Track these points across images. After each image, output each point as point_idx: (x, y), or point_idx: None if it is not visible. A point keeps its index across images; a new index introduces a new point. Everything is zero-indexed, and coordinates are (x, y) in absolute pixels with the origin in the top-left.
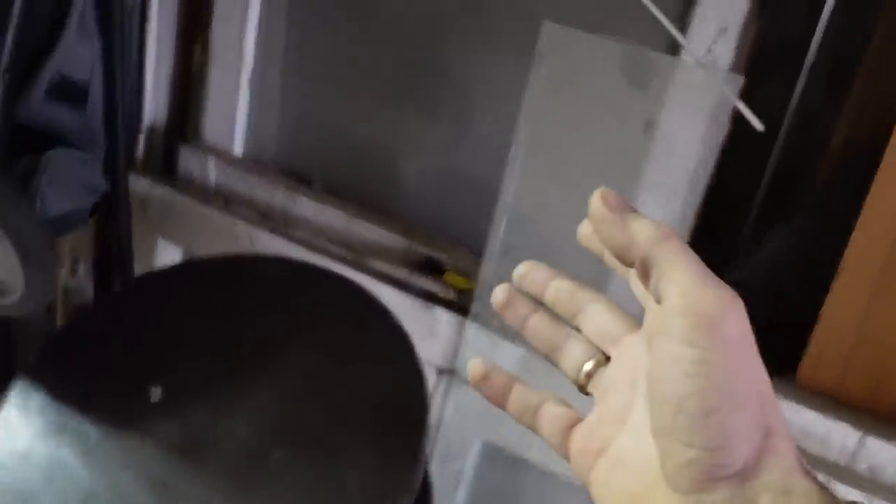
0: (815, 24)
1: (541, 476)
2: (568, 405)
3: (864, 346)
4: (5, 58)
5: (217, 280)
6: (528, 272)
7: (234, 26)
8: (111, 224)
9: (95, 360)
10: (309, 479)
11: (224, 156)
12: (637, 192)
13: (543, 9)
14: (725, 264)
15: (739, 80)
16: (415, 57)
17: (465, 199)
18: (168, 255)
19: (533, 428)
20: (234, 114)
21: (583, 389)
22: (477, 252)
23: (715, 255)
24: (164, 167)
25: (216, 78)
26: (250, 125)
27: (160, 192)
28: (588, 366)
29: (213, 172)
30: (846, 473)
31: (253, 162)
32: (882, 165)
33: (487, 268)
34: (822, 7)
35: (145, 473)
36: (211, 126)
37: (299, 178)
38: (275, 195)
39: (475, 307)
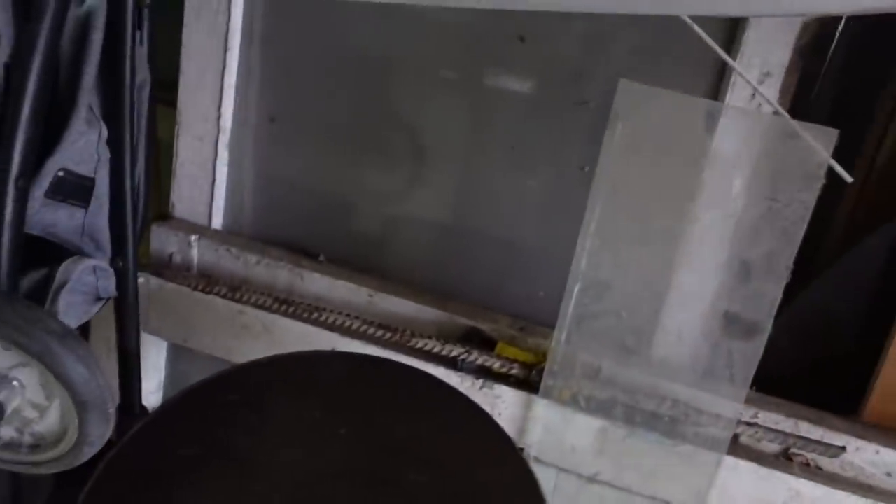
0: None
1: None
2: None
3: None
4: (16, 164)
5: (270, 388)
6: None
7: (210, 91)
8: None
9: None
10: None
11: (206, 232)
12: (718, 252)
13: (567, 58)
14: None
15: (833, 135)
16: (399, 112)
17: (482, 260)
18: (153, 350)
19: None
20: (211, 184)
21: None
22: (514, 315)
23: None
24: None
25: (187, 148)
26: (229, 196)
27: (142, 280)
28: None
29: (196, 252)
30: None
31: (240, 237)
32: None
33: (559, 339)
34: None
35: None
36: (184, 199)
37: (290, 249)
38: (278, 273)
39: (546, 381)
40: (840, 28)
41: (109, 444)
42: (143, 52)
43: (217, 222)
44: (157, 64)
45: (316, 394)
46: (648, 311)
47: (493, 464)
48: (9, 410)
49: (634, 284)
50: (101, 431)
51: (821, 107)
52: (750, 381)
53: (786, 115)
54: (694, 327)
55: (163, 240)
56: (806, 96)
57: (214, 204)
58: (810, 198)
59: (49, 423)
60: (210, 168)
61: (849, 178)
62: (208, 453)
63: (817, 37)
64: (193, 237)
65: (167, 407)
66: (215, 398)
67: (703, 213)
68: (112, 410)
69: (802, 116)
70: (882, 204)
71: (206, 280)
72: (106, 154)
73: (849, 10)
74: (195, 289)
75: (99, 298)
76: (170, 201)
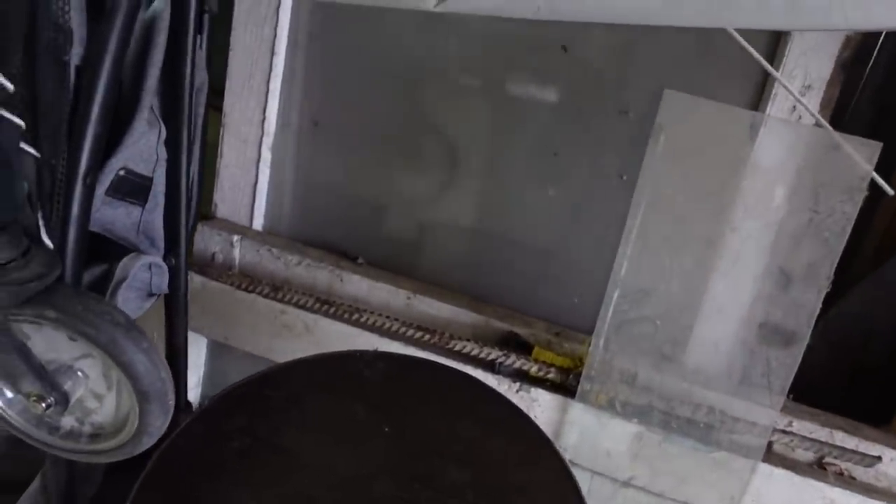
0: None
1: None
2: None
3: None
4: (85, 160)
5: (319, 385)
6: None
7: (256, 95)
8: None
9: (199, 496)
10: None
11: (248, 233)
12: (758, 262)
13: (608, 68)
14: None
15: (877, 148)
16: (441, 118)
17: (519, 266)
18: (193, 347)
19: None
20: (253, 186)
21: None
22: (550, 321)
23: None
24: None
25: (231, 149)
26: (270, 197)
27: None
28: None
29: (237, 252)
30: None
31: (281, 238)
32: None
33: (597, 344)
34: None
35: None
36: (226, 200)
37: (329, 251)
38: (318, 275)
39: (583, 385)
40: (881, 41)
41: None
42: (202, 55)
43: (258, 223)
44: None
45: (359, 392)
46: (686, 318)
47: (532, 464)
48: (72, 400)
49: (673, 292)
50: (161, 422)
51: (860, 118)
52: (787, 390)
53: (828, 126)
54: (731, 335)
55: (206, 239)
56: (845, 108)
57: (256, 205)
58: (852, 210)
59: (108, 413)
60: (253, 170)
61: (891, 191)
62: (256, 446)
63: (859, 48)
64: (236, 237)
65: (216, 402)
66: (262, 394)
67: (743, 223)
68: (172, 402)
69: (843, 126)
70: None
71: (249, 279)
72: (164, 154)
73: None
74: (238, 287)
75: (151, 295)
76: (213, 202)
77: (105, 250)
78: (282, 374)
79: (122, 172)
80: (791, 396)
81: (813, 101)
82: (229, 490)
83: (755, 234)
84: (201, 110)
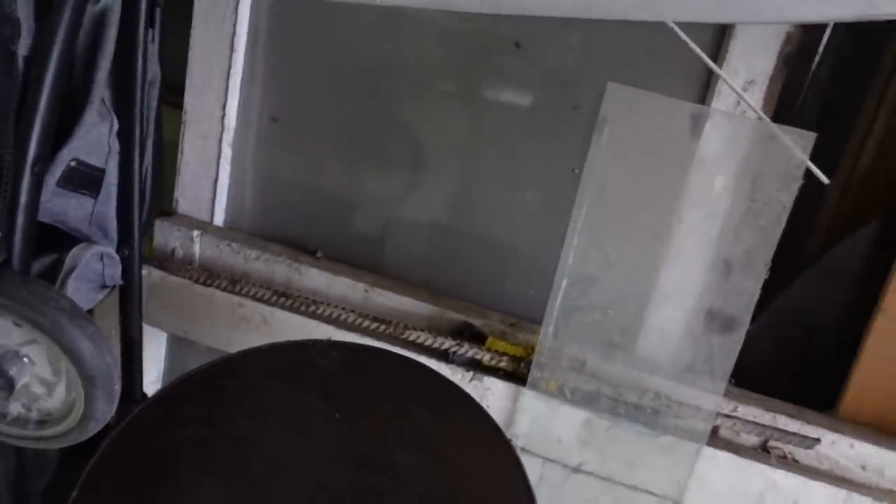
0: (806, 74)
1: None
2: None
3: None
4: (33, 149)
5: (272, 374)
6: None
7: (215, 92)
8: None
9: (152, 480)
10: None
11: (209, 228)
12: (699, 250)
13: (561, 63)
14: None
15: (811, 138)
16: (399, 113)
17: (479, 259)
18: (153, 341)
19: None
20: (214, 182)
21: None
22: (506, 312)
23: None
24: None
25: (192, 146)
26: (231, 193)
27: (145, 272)
28: None
29: (197, 247)
30: None
31: (240, 233)
32: None
33: (546, 333)
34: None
35: None
36: (187, 196)
37: (289, 245)
38: (276, 268)
39: (534, 373)
40: (826, 36)
41: (110, 429)
42: (154, 49)
43: (219, 219)
44: (164, 66)
45: (313, 381)
46: (633, 306)
47: (481, 450)
48: (18, 385)
49: (620, 281)
50: (107, 407)
51: (808, 112)
52: (729, 375)
53: (766, 118)
54: (677, 322)
55: (166, 234)
56: (793, 102)
57: (217, 201)
58: (788, 198)
59: (56, 399)
60: (213, 166)
61: (826, 180)
62: (210, 434)
63: (804, 44)
64: (196, 232)
65: (168, 390)
66: (216, 383)
67: (688, 213)
68: (117, 387)
69: (790, 121)
70: (862, 207)
71: (208, 273)
72: (116, 146)
73: (825, 18)
74: (196, 281)
75: (105, 286)
76: (174, 198)
77: (58, 241)
78: (237, 362)
79: (73, 163)
80: (733, 381)
81: (756, 96)
82: (181, 477)
83: (699, 225)
84: (154, 103)
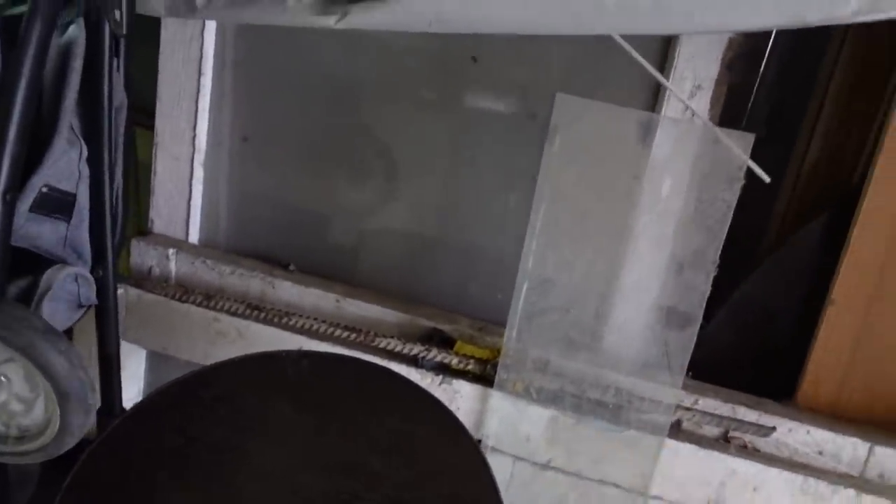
0: (755, 77)
1: None
2: None
3: (860, 363)
4: (4, 179)
5: (245, 385)
6: None
7: (185, 113)
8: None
9: (131, 491)
10: None
11: (184, 246)
12: (652, 250)
13: (517, 76)
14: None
15: (750, 139)
16: (365, 129)
17: (447, 266)
18: (133, 358)
19: None
20: (188, 201)
21: None
22: (475, 317)
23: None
24: None
25: (165, 167)
26: (204, 211)
27: (121, 292)
28: None
29: (173, 264)
30: (861, 483)
31: (214, 250)
32: (862, 206)
33: (510, 335)
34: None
35: None
36: (162, 216)
37: (264, 260)
38: (251, 283)
39: (500, 374)
40: (771, 42)
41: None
42: (119, 77)
43: (194, 237)
44: (138, 90)
45: (285, 389)
46: (592, 306)
47: (449, 451)
48: None
49: (578, 282)
50: (82, 422)
51: (759, 114)
52: (685, 369)
53: (708, 122)
54: (634, 320)
55: (142, 254)
56: (745, 105)
57: (191, 219)
58: (731, 197)
59: (34, 415)
60: (186, 186)
61: (767, 179)
62: (186, 444)
63: (753, 49)
64: (171, 250)
65: (146, 403)
66: (191, 394)
67: (640, 215)
68: (92, 402)
69: (743, 124)
70: (811, 202)
71: (183, 290)
72: (86, 171)
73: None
74: (172, 298)
75: (81, 306)
76: (149, 218)
77: (34, 264)
78: (211, 374)
79: (44, 189)
80: (690, 374)
81: (703, 100)
82: (157, 486)
83: (652, 226)
84: (122, 129)
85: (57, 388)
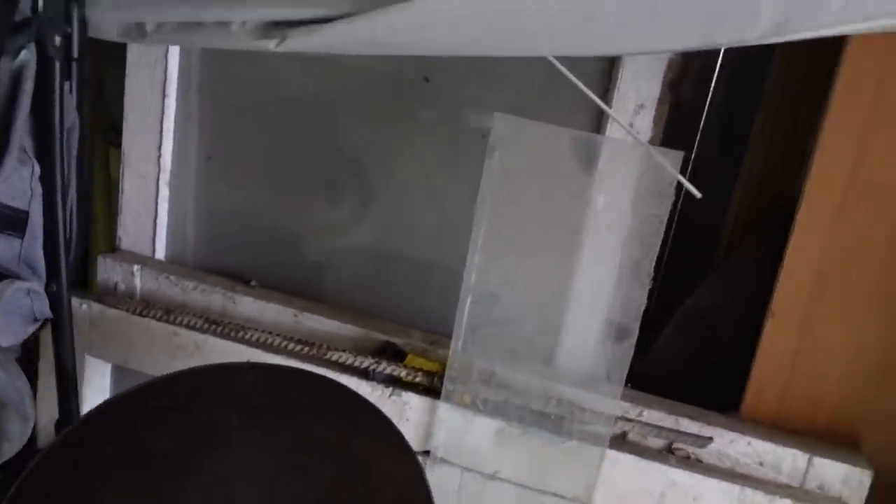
0: (706, 95)
1: None
2: None
3: (798, 377)
4: None
5: (190, 396)
6: None
7: (150, 133)
8: (36, 352)
9: (73, 500)
10: None
11: (149, 262)
12: (589, 264)
13: (469, 96)
14: (663, 317)
15: (679, 156)
16: (326, 148)
17: (404, 282)
18: (97, 372)
19: None
20: (154, 219)
21: None
22: (429, 330)
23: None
24: (78, 280)
25: (132, 186)
26: (170, 229)
27: (84, 307)
28: None
29: (138, 280)
30: (803, 494)
31: (180, 266)
32: (797, 220)
33: (455, 347)
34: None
35: None
36: (129, 233)
37: (232, 277)
38: (213, 298)
39: (447, 386)
40: (720, 60)
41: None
42: (71, 99)
43: (160, 253)
44: (111, 111)
45: (232, 400)
46: (534, 319)
47: (388, 459)
48: None
49: (521, 296)
50: (20, 429)
51: (711, 132)
52: (624, 380)
53: (638, 139)
54: (575, 333)
55: (108, 270)
56: (696, 124)
57: (157, 237)
58: (663, 213)
59: None
60: (152, 204)
61: (698, 195)
62: (130, 454)
63: (702, 69)
64: (136, 267)
65: (91, 415)
66: (142, 404)
67: (579, 231)
68: (31, 411)
69: (696, 143)
70: (757, 216)
71: (144, 304)
72: (39, 189)
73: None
74: (133, 313)
75: (36, 319)
76: (117, 235)
77: None
78: (163, 384)
79: None
80: (630, 385)
81: (646, 119)
82: (100, 496)
83: (590, 241)
84: (74, 149)
85: None
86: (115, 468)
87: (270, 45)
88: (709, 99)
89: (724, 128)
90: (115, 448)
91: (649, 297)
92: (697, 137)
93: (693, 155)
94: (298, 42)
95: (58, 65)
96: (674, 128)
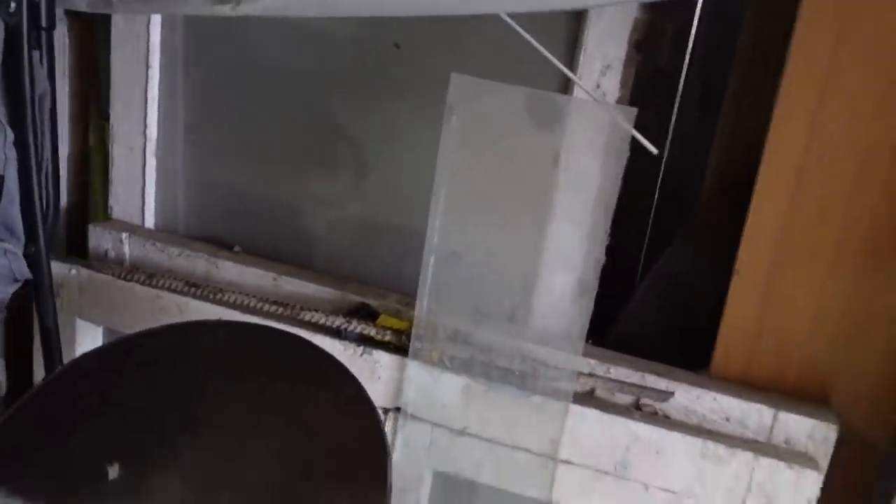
0: (682, 59)
1: (495, 497)
2: None
3: (764, 334)
4: None
5: (162, 351)
6: None
7: (136, 104)
8: (31, 312)
9: (47, 447)
10: None
11: (137, 230)
12: (550, 222)
13: (440, 61)
14: (634, 278)
15: (633, 112)
16: (309, 116)
17: (382, 246)
18: (89, 335)
19: None
20: (142, 189)
21: None
22: (405, 293)
23: (624, 270)
24: (74, 247)
25: (120, 157)
26: (159, 198)
27: (74, 272)
28: None
29: (127, 248)
30: (767, 448)
31: (167, 234)
32: (759, 180)
33: (421, 306)
34: (686, 43)
35: None
36: (120, 203)
37: (219, 244)
38: (196, 263)
39: (414, 344)
40: (696, 23)
41: None
42: (42, 68)
43: (150, 222)
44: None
45: (201, 356)
46: (497, 278)
47: (348, 412)
48: None
49: (483, 255)
50: None
51: (691, 94)
52: (584, 336)
53: (591, 95)
54: (536, 289)
55: (99, 238)
56: (675, 88)
57: (146, 206)
58: (619, 169)
59: None
60: (140, 174)
61: (655, 151)
62: (101, 407)
63: (678, 33)
64: (125, 234)
65: (67, 368)
66: (111, 361)
67: (536, 189)
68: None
69: (676, 105)
70: (730, 175)
71: (129, 269)
72: (13, 154)
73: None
74: (118, 277)
75: (16, 280)
76: (108, 205)
77: None
78: (136, 341)
79: None
80: (590, 342)
81: (614, 79)
82: (72, 446)
83: (551, 199)
84: (46, 116)
85: None
86: (87, 419)
87: (226, 9)
88: (686, 62)
89: (703, 92)
90: (88, 401)
91: (634, 262)
92: (677, 102)
93: (674, 119)
94: (251, 6)
95: (25, 35)
96: (654, 93)
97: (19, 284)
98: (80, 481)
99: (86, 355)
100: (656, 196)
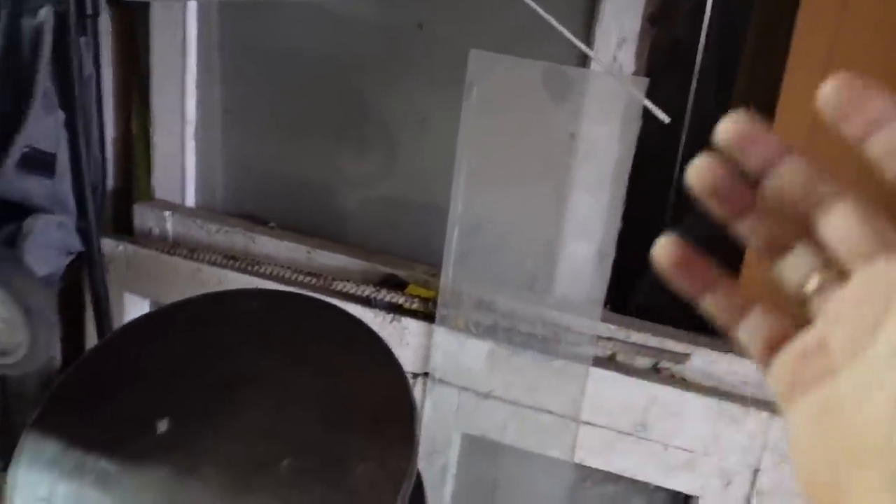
0: (700, 32)
1: (520, 457)
2: (784, 313)
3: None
4: None
5: (203, 317)
6: (745, 132)
7: (175, 90)
8: (85, 282)
9: (100, 404)
10: (321, 477)
11: (178, 209)
12: (569, 192)
13: (461, 40)
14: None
15: (645, 82)
16: (338, 98)
17: (409, 220)
18: (135, 307)
19: (731, 332)
20: (182, 170)
21: (802, 306)
22: (432, 264)
23: (647, 239)
24: (121, 226)
25: (162, 140)
26: (198, 178)
27: (121, 248)
28: (815, 281)
29: (169, 225)
30: (775, 407)
31: (207, 211)
32: None
33: (446, 275)
34: (703, 16)
35: (164, 495)
36: (162, 183)
37: (255, 221)
38: (234, 238)
39: (440, 311)
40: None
41: None
42: (89, 53)
43: (190, 201)
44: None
45: (235, 321)
46: (518, 246)
47: (376, 372)
48: None
49: (505, 225)
50: (47, 337)
51: (710, 68)
52: (602, 301)
53: (606, 66)
54: (557, 257)
55: (143, 216)
56: (693, 60)
57: (186, 186)
58: (632, 137)
59: (11, 333)
60: (180, 156)
61: (666, 119)
62: (149, 368)
63: (694, 7)
64: (167, 213)
65: (115, 334)
66: (157, 327)
67: (559, 161)
68: (54, 318)
69: (694, 77)
70: None
71: (172, 245)
72: (64, 134)
73: None
74: (162, 252)
75: (70, 252)
76: (151, 185)
77: (26, 215)
78: (179, 307)
79: (27, 150)
80: (609, 307)
81: (629, 52)
82: (119, 405)
83: (571, 169)
84: (93, 98)
85: (21, 303)
86: (136, 379)
87: None
88: (703, 36)
89: (720, 65)
90: (137, 362)
91: (657, 231)
92: (695, 74)
93: (693, 91)
94: None
95: (73, 23)
96: (672, 66)
97: (72, 257)
98: (131, 434)
99: (134, 321)
100: (678, 166)
